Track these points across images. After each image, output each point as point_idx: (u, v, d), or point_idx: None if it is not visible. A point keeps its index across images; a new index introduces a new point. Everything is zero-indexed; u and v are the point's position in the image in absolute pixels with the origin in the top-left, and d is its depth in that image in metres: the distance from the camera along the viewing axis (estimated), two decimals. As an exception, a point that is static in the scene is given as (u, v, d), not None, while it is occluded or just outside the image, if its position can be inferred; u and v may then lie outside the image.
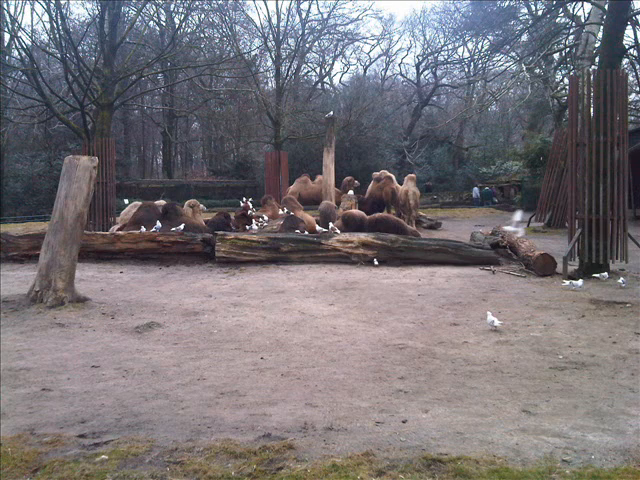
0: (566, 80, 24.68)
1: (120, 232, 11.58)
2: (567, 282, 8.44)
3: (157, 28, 36.75)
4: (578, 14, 24.20)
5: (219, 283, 9.03)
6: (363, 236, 10.81)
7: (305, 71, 43.16)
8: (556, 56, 26.08)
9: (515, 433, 3.49)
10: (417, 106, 42.90)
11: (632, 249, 9.48)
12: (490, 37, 29.06)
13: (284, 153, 23.46)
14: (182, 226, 11.57)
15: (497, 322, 6.03)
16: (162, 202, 14.68)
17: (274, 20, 34.21)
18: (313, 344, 5.59)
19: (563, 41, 23.87)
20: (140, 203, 14.12)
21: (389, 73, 48.84)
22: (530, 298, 7.69)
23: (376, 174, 18.62)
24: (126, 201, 19.35)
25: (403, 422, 3.67)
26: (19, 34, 23.17)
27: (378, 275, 9.57)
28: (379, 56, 47.51)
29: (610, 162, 9.02)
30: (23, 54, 23.39)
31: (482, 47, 36.29)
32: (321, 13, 39.45)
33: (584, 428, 3.57)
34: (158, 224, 11.51)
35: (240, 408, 3.95)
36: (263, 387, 4.38)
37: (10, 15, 23.68)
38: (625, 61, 21.98)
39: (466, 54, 41.65)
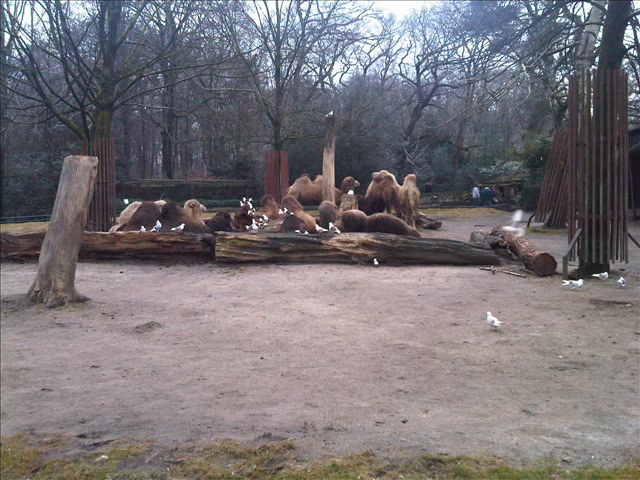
0: (566, 80, 24.70)
1: (120, 232, 11.58)
2: (567, 282, 8.44)
3: (157, 28, 36.76)
4: (578, 14, 24.25)
5: (219, 283, 9.03)
6: (363, 236, 10.81)
7: (305, 71, 43.20)
8: (556, 56, 26.09)
9: (515, 433, 3.49)
10: (417, 106, 42.88)
11: (632, 249, 9.47)
12: (490, 37, 29.08)
13: (284, 153, 23.46)
14: (182, 226, 11.57)
15: (497, 322, 6.03)
16: (162, 202, 14.68)
17: (274, 20, 34.27)
18: (313, 344, 5.59)
19: (563, 41, 23.88)
20: (140, 203, 14.12)
21: (389, 73, 48.92)
22: (530, 298, 7.69)
23: (376, 174, 18.62)
24: (126, 201, 19.35)
25: (403, 422, 3.67)
26: (19, 34, 23.23)
27: (378, 275, 9.57)
28: (379, 56, 47.59)
29: (610, 162, 9.02)
30: (23, 54, 23.40)
31: (482, 47, 36.34)
32: (321, 13, 39.54)
33: (584, 428, 3.57)
34: (158, 224, 11.51)
35: (240, 408, 3.95)
36: (263, 387, 4.38)
37: (10, 15, 23.72)
38: (625, 61, 21.98)
39: (466, 54, 41.69)
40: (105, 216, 15.44)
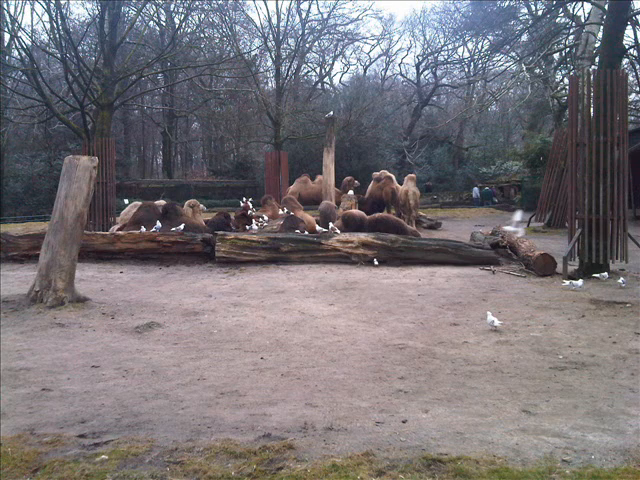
0: (566, 80, 24.70)
1: (120, 232, 11.58)
2: (567, 282, 8.44)
3: (157, 28, 36.76)
4: (578, 14, 24.25)
5: (219, 283, 9.03)
6: (363, 236, 10.81)
7: (305, 71, 43.20)
8: (556, 56, 26.09)
9: (515, 433, 3.49)
10: (417, 106, 42.88)
11: (632, 249, 9.47)
12: (490, 37, 29.08)
13: (284, 153, 23.47)
14: (182, 226, 11.57)
15: (497, 322, 6.03)
16: (162, 202, 14.68)
17: (274, 20, 34.27)
18: (313, 344, 5.59)
19: (563, 41, 23.88)
20: (140, 203, 14.12)
21: (389, 73, 48.91)
22: (530, 298, 7.69)
23: (376, 174, 18.62)
24: (126, 201, 19.35)
25: (403, 422, 3.67)
26: (19, 34, 23.23)
27: (378, 275, 9.57)
28: (379, 56, 47.58)
29: (610, 162, 9.02)
30: (23, 54, 23.41)
31: (482, 47, 36.33)
32: (321, 13, 39.53)
33: (584, 428, 3.57)
34: (158, 224, 11.51)
35: (240, 408, 3.95)
36: (263, 387, 4.38)
37: (10, 15, 23.72)
38: (625, 61, 21.98)
39: (466, 54, 41.69)
40: (105, 216, 15.43)
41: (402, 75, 47.47)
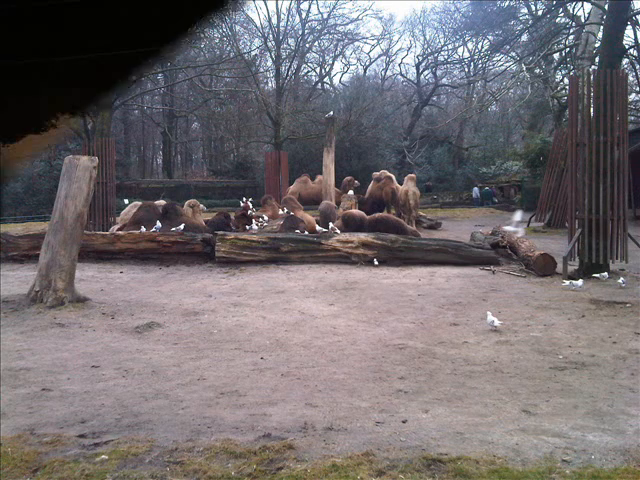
0: (566, 80, 24.69)
1: (120, 232, 11.58)
2: (567, 282, 8.44)
3: (157, 28, 36.73)
4: (578, 14, 24.25)
5: (219, 283, 9.03)
6: (363, 236, 10.81)
7: (305, 71, 43.16)
8: (556, 56, 26.09)
9: (515, 433, 3.49)
10: (417, 106, 42.85)
11: (632, 249, 9.47)
12: (490, 37, 29.10)
13: (284, 153, 23.47)
14: (182, 226, 11.57)
15: (497, 322, 6.03)
16: (162, 202, 14.68)
17: (274, 20, 34.25)
18: (313, 344, 5.59)
19: (563, 41, 23.88)
20: (140, 203, 14.12)
21: (389, 73, 48.84)
22: (530, 298, 7.69)
23: (376, 174, 18.62)
24: (126, 201, 19.34)
25: (403, 422, 3.67)
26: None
27: (378, 275, 9.57)
28: (379, 56, 47.50)
29: (610, 162, 9.02)
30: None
31: (482, 47, 36.33)
32: (321, 13, 39.47)
33: (584, 428, 3.57)
34: (158, 224, 11.51)
35: (240, 408, 3.95)
36: (263, 387, 4.38)
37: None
38: (625, 61, 21.97)
39: (466, 54, 41.66)
40: (105, 216, 15.43)
41: (402, 75, 47.44)
